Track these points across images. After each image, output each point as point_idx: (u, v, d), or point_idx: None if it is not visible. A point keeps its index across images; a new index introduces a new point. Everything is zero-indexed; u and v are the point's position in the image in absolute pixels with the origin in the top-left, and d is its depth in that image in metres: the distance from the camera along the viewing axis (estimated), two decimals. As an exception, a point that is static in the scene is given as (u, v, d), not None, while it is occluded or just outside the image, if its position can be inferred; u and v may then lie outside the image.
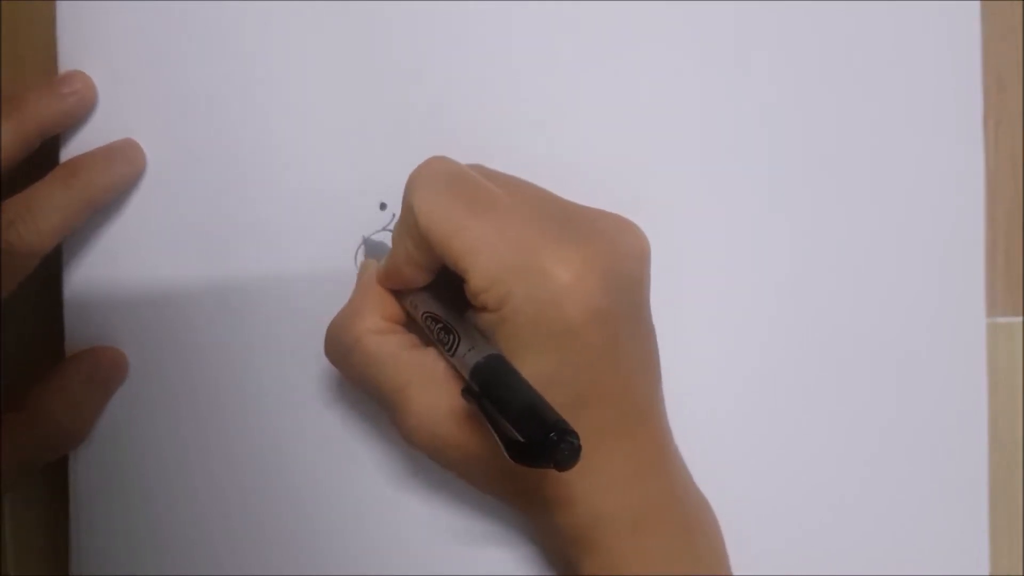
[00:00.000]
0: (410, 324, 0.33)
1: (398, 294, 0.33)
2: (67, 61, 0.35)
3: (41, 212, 0.32)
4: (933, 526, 0.37)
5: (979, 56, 0.37)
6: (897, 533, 0.37)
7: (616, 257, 0.30)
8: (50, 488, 0.37)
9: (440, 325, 0.31)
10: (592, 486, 0.31)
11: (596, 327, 0.29)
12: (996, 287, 0.38)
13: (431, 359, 0.31)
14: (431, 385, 0.31)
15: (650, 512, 0.31)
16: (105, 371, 0.35)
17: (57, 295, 0.36)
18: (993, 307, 0.38)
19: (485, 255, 0.29)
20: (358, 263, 0.36)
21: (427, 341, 0.32)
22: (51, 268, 0.35)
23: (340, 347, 0.33)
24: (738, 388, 0.37)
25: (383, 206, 0.36)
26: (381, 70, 0.36)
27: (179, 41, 0.35)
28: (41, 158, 0.35)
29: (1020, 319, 0.38)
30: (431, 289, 0.33)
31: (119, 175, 0.35)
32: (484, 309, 0.30)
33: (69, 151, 0.35)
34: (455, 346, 0.30)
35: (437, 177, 0.31)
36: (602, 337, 0.30)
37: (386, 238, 0.36)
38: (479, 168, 0.33)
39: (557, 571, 0.35)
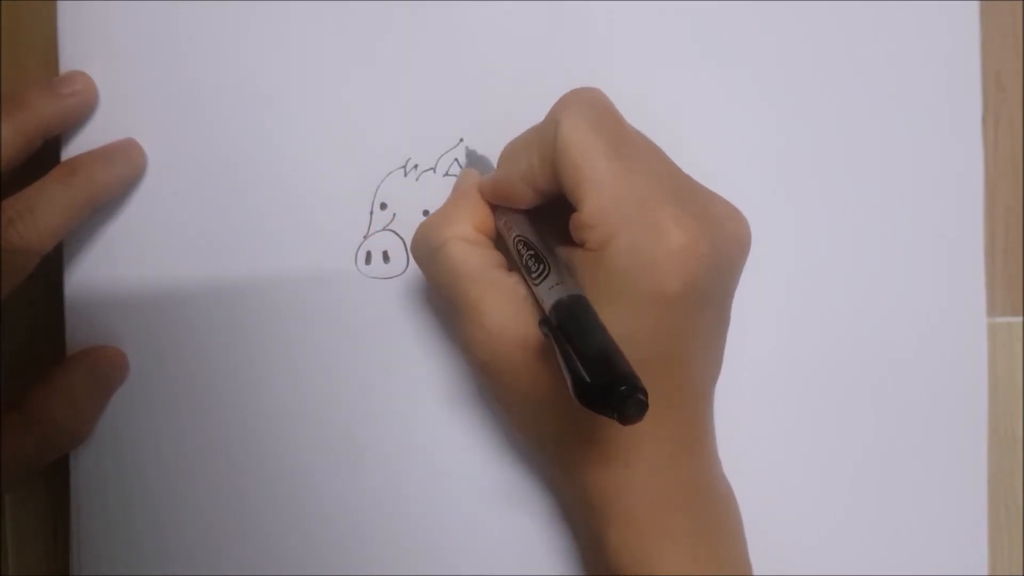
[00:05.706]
0: (498, 242, 0.33)
1: (494, 210, 0.33)
2: (68, 61, 0.35)
3: (41, 211, 0.32)
4: (932, 526, 0.37)
5: (978, 56, 0.37)
6: (896, 533, 0.37)
7: (723, 240, 0.30)
8: (50, 488, 0.38)
9: (531, 252, 0.31)
10: (628, 454, 0.30)
11: (686, 301, 0.29)
12: (996, 287, 0.38)
13: (513, 282, 0.31)
14: (508, 306, 0.30)
15: (677, 493, 0.31)
16: (105, 371, 0.35)
17: (57, 295, 0.36)
18: (993, 307, 0.38)
19: (607, 191, 0.29)
20: (358, 263, 0.36)
21: (512, 265, 0.32)
22: (51, 268, 0.35)
23: (426, 248, 0.32)
24: (736, 388, 0.37)
25: (383, 206, 0.36)
26: (382, 70, 0.36)
27: (179, 41, 0.36)
28: (42, 158, 0.35)
29: (1020, 319, 0.38)
30: (530, 214, 0.32)
31: (119, 175, 0.35)
32: (582, 245, 0.30)
33: (70, 151, 0.35)
34: (543, 276, 0.30)
35: (590, 104, 0.31)
36: (687, 313, 0.29)
37: (389, 236, 0.36)
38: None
39: (577, 538, 0.35)
